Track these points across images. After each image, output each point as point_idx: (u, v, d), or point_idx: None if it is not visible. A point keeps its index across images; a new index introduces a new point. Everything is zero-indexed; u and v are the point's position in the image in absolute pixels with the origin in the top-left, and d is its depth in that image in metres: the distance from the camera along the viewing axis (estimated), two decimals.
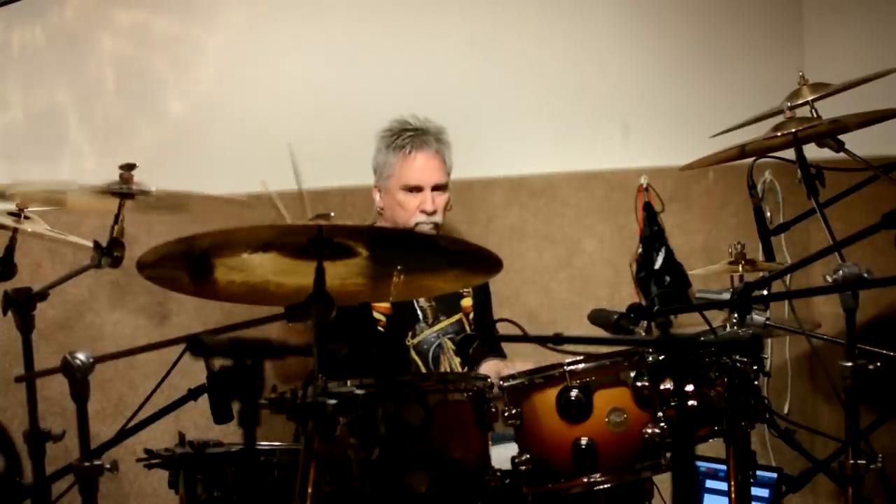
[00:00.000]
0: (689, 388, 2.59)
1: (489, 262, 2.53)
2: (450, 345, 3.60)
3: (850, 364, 2.52)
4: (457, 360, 3.58)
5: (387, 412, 2.48)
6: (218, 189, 3.21)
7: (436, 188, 3.56)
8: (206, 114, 3.90)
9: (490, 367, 3.35)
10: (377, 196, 3.64)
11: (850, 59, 4.54)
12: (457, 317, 3.65)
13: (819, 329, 3.72)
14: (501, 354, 3.62)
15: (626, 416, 2.61)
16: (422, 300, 3.60)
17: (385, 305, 3.54)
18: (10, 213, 3.02)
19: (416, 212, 3.54)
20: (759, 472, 3.08)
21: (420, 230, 3.49)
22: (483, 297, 3.73)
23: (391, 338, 3.54)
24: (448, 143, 3.63)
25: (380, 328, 3.52)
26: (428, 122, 3.63)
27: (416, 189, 3.56)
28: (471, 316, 3.67)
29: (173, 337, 2.60)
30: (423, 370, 3.54)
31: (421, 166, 3.56)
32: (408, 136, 3.58)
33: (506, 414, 2.66)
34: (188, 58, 3.88)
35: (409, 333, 3.58)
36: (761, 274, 3.43)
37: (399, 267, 2.52)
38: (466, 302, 3.68)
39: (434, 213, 3.55)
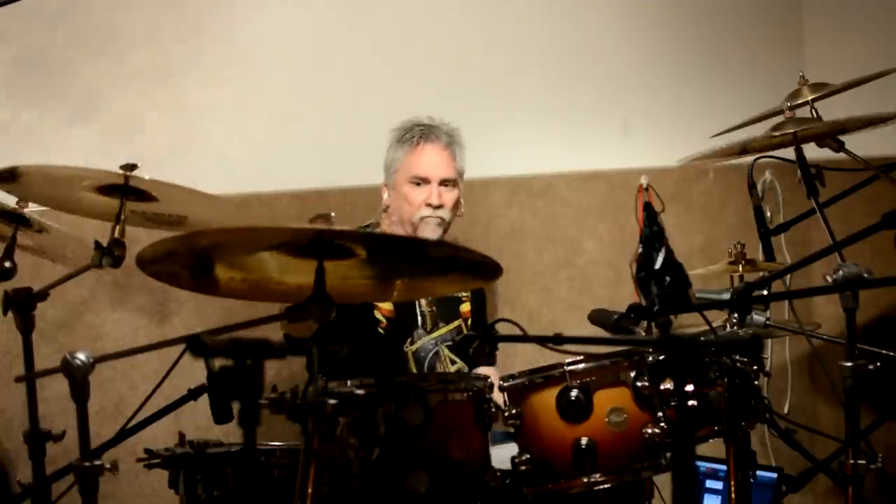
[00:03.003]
0: (689, 388, 2.59)
1: (489, 268, 2.52)
2: (447, 352, 3.59)
3: (850, 364, 2.52)
4: (453, 369, 3.56)
5: (387, 412, 2.48)
6: (217, 189, 3.21)
7: (444, 183, 3.51)
8: (206, 114, 3.89)
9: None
10: (385, 194, 3.59)
11: (850, 59, 4.54)
12: (456, 323, 3.63)
13: (819, 329, 3.72)
14: (492, 362, 3.60)
15: (626, 416, 2.61)
16: (423, 305, 3.58)
17: (388, 307, 3.52)
18: (11, 213, 3.02)
19: (421, 206, 3.49)
20: (759, 472, 3.07)
21: (426, 224, 3.47)
22: (480, 302, 3.72)
23: (390, 341, 3.51)
24: (461, 144, 3.59)
25: (380, 329, 3.50)
26: (442, 122, 3.59)
27: (424, 181, 3.50)
28: (469, 321, 3.66)
29: (173, 337, 2.60)
30: None
31: (429, 158, 3.52)
32: (418, 130, 3.54)
33: (506, 414, 2.66)
34: (187, 58, 3.88)
35: (408, 340, 3.55)
36: (761, 274, 3.43)
37: (401, 278, 2.52)
38: (465, 307, 3.66)
39: (440, 207, 3.49)
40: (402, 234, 3.45)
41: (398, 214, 3.55)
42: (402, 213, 3.52)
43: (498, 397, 2.69)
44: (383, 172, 3.62)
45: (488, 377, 2.73)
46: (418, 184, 3.51)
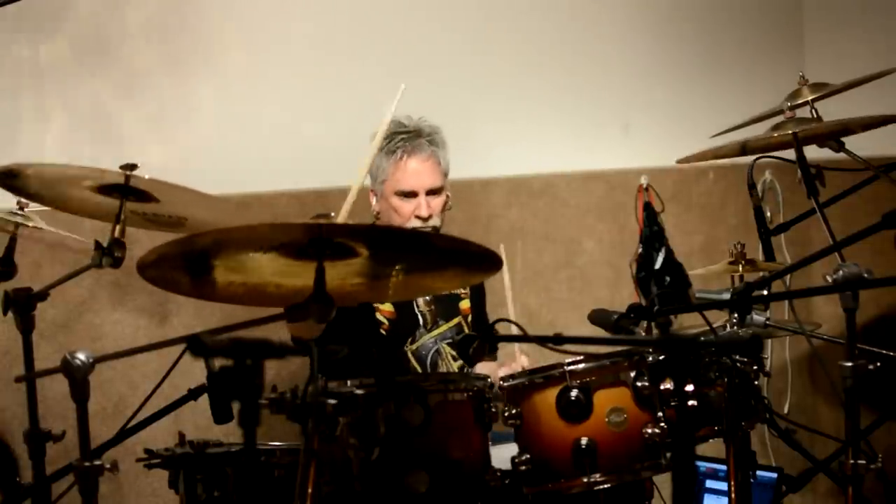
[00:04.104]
0: (689, 388, 2.59)
1: (488, 261, 2.53)
2: (448, 349, 3.58)
3: (850, 364, 2.52)
4: (455, 365, 3.56)
5: (387, 412, 2.48)
6: (217, 190, 3.21)
7: (431, 192, 3.50)
8: (205, 114, 3.89)
9: (484, 370, 3.35)
10: (373, 200, 3.58)
11: (850, 59, 4.55)
12: (455, 320, 3.62)
13: (819, 329, 3.72)
14: (493, 356, 3.60)
15: (626, 416, 2.61)
16: (422, 304, 3.58)
17: (389, 309, 3.51)
18: (11, 212, 3.02)
19: (411, 217, 3.48)
20: (759, 472, 3.07)
21: None
22: (479, 297, 3.72)
23: (393, 342, 3.51)
24: (443, 144, 3.55)
25: (382, 331, 3.50)
26: (422, 123, 3.54)
27: (411, 194, 3.49)
28: (469, 318, 3.65)
29: (173, 337, 2.60)
30: None
31: (414, 171, 3.49)
32: (400, 140, 3.49)
33: (506, 414, 2.66)
34: (187, 59, 3.88)
35: (409, 339, 3.55)
36: (761, 274, 3.43)
37: (398, 266, 2.52)
38: (465, 304, 3.65)
39: (430, 217, 3.49)
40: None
41: (388, 223, 3.53)
42: (393, 222, 3.51)
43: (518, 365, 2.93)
44: (368, 176, 3.59)
45: (488, 377, 2.73)
46: (406, 196, 3.50)
